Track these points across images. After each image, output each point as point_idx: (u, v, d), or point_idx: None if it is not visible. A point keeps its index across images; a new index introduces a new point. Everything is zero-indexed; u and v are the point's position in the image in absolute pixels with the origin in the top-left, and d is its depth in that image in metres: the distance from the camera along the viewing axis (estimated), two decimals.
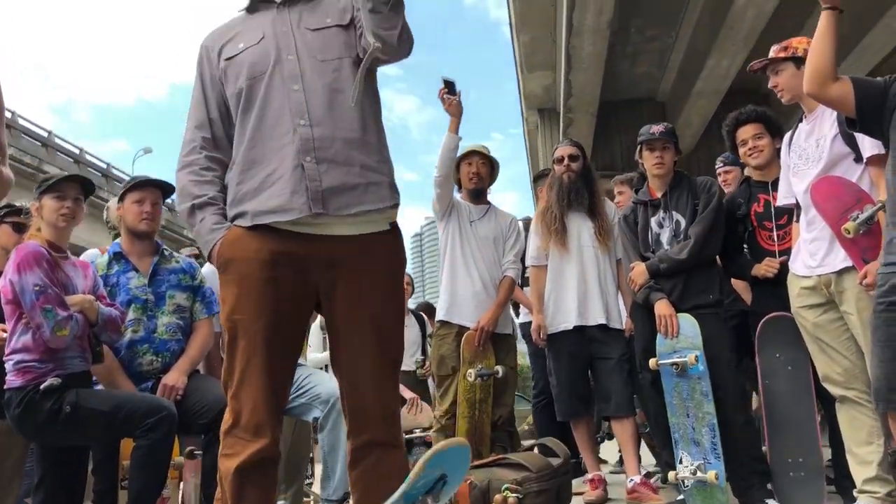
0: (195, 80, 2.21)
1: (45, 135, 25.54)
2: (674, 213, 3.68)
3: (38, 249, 2.97)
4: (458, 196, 4.41)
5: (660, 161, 3.71)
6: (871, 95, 2.49)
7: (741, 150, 3.71)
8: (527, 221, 4.93)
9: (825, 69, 2.51)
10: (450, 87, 4.04)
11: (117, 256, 3.43)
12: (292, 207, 1.95)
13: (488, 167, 4.41)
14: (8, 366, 2.95)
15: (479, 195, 4.42)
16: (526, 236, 4.52)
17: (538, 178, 5.40)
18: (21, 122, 24.16)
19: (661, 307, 3.52)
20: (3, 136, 2.51)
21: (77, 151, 27.43)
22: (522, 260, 4.49)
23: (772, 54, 3.26)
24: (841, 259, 2.91)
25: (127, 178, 24.51)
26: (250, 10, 2.23)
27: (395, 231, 2.10)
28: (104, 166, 29.16)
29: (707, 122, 13.97)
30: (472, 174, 4.35)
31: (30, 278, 2.89)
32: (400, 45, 2.00)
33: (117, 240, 3.56)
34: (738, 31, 10.69)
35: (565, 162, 4.21)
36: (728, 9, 10.23)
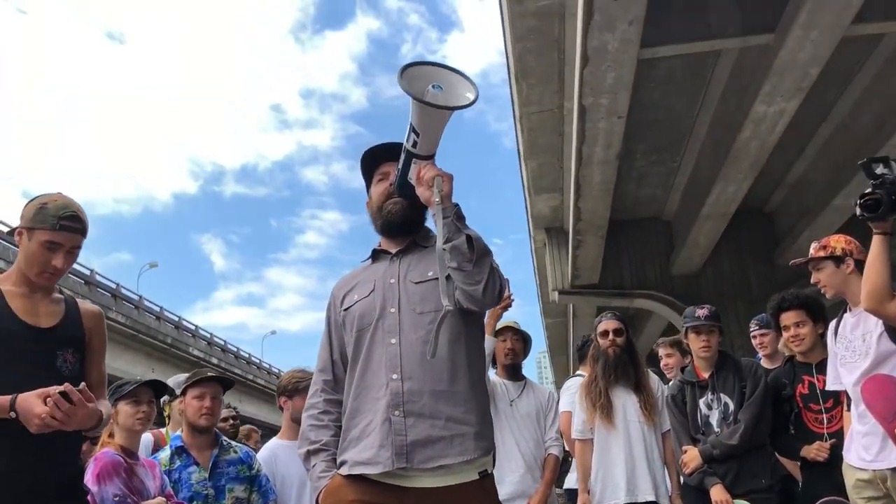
0: (325, 322, 2.40)
1: None
2: (721, 395, 3.78)
3: (116, 458, 3.06)
4: (493, 375, 4.45)
5: (706, 345, 3.84)
6: None
7: (784, 334, 3.83)
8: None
9: (882, 289, 2.68)
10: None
11: (179, 451, 3.50)
12: (378, 461, 2.06)
13: (521, 342, 4.50)
14: None
15: (515, 371, 4.47)
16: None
17: (581, 347, 5.48)
18: None
19: (717, 492, 3.57)
20: (104, 369, 2.65)
21: (88, 273, 27.72)
22: None
23: (811, 253, 3.40)
24: (895, 457, 2.98)
25: (135, 297, 24.65)
26: (373, 259, 2.42)
27: (484, 483, 2.14)
28: (113, 286, 29.45)
29: (714, 242, 14.24)
30: (508, 350, 4.43)
31: (109, 489, 2.97)
32: (485, 297, 2.12)
33: (178, 432, 3.64)
34: (742, 160, 11.06)
35: (610, 336, 4.28)
36: (732, 141, 10.61)
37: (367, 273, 2.37)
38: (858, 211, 2.61)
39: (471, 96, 2.12)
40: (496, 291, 2.15)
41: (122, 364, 28.80)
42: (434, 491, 2.07)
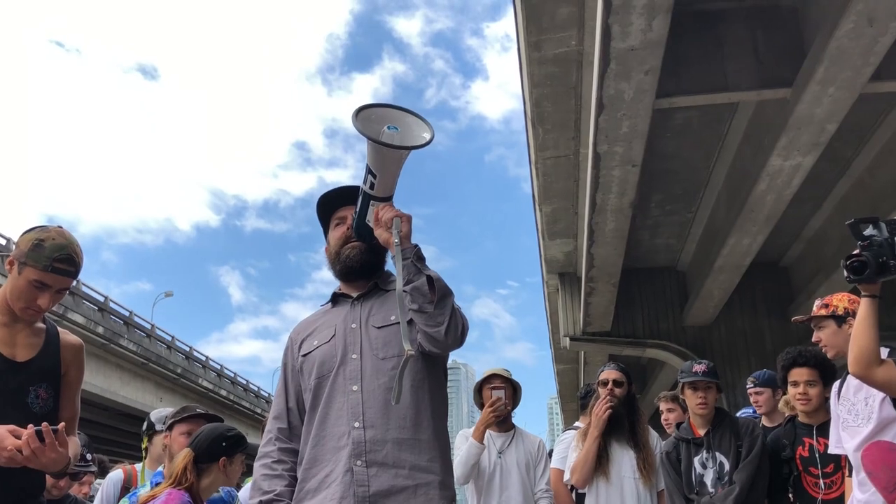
0: (280, 369, 2.34)
1: (73, 283, 26.02)
2: (717, 453, 3.67)
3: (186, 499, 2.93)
4: None
5: (703, 402, 3.74)
6: None
7: (791, 391, 3.71)
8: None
9: (869, 354, 2.58)
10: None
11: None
12: None
13: (510, 390, 4.36)
14: None
15: (503, 420, 4.34)
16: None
17: (584, 396, 5.38)
18: None
19: None
20: (77, 404, 2.61)
21: (102, 299, 27.86)
22: None
23: (815, 310, 3.32)
24: None
25: (147, 325, 24.73)
26: (333, 303, 2.37)
27: None
28: (126, 314, 29.54)
29: (728, 295, 14.08)
30: (496, 399, 4.28)
31: None
32: (447, 338, 2.07)
33: (160, 468, 3.56)
34: (758, 213, 10.97)
35: (609, 386, 4.19)
36: (747, 193, 10.54)
37: (327, 318, 2.32)
38: (845, 273, 2.54)
39: (427, 136, 2.11)
40: (458, 332, 2.10)
41: (130, 392, 28.78)
42: None
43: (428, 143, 2.09)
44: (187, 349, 36.07)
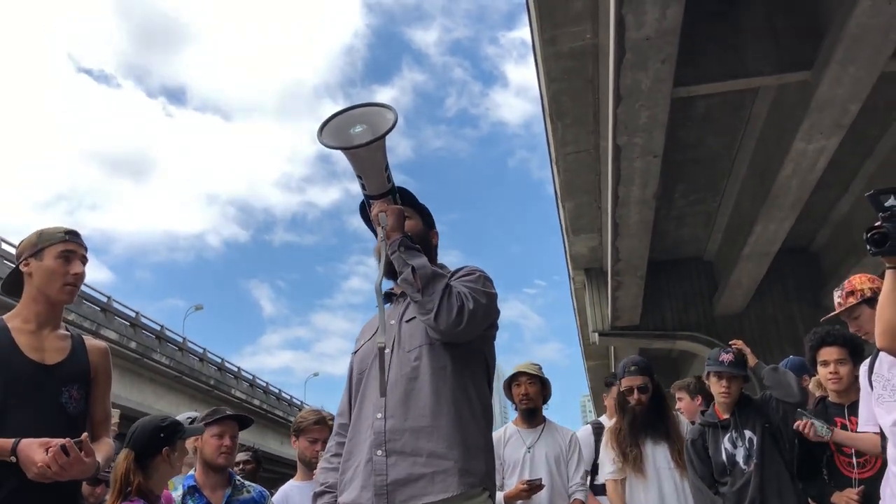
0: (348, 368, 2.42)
1: (105, 300, 26.42)
2: (745, 431, 3.64)
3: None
4: (510, 425, 4.36)
5: (727, 391, 3.73)
6: None
7: (821, 371, 3.66)
8: (595, 425, 4.89)
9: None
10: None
11: (191, 490, 3.45)
12: (360, 502, 2.04)
13: (538, 385, 4.34)
14: None
15: (532, 415, 4.32)
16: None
17: (609, 385, 5.36)
18: (84, 288, 25.07)
19: None
20: (108, 406, 2.66)
21: (133, 315, 28.20)
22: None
23: (839, 300, 3.26)
24: None
25: (178, 339, 25.04)
26: (389, 301, 2.41)
27: None
28: (158, 328, 29.89)
29: (757, 282, 13.92)
30: (522, 395, 4.30)
31: None
32: (439, 323, 2.09)
33: (191, 471, 3.60)
34: (784, 199, 10.83)
35: (635, 395, 4.17)
36: (772, 179, 10.42)
37: (378, 317, 2.38)
38: (867, 246, 2.50)
39: (391, 116, 2.14)
40: (453, 315, 2.08)
41: (164, 406, 29.04)
42: None
43: (395, 122, 2.12)
44: (219, 361, 36.37)
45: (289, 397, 46.26)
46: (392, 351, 2.19)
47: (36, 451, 2.19)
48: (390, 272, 2.30)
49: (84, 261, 2.58)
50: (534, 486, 3.94)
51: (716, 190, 13.15)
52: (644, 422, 4.09)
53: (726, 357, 3.80)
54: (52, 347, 2.49)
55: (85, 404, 2.53)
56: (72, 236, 2.56)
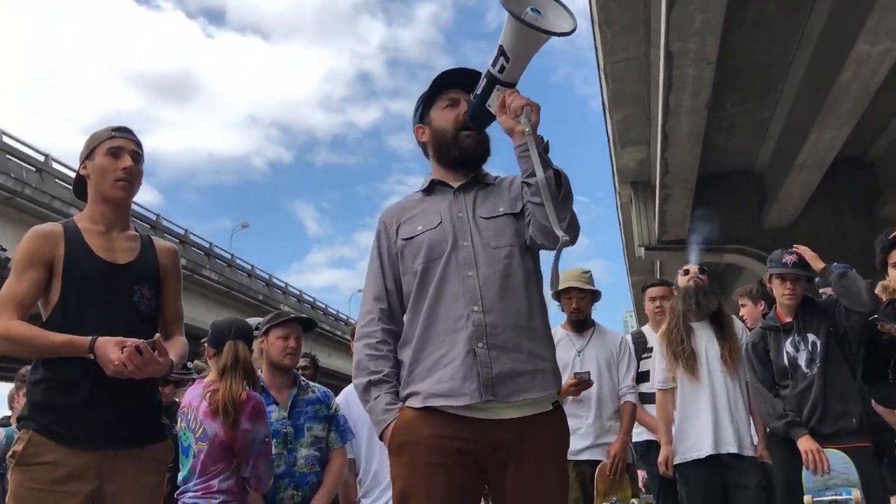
0: (373, 252, 2.31)
1: (154, 218, 26.99)
2: (808, 334, 3.60)
3: (261, 400, 3.21)
4: (559, 328, 4.33)
5: (791, 293, 3.67)
6: None
7: (892, 273, 3.58)
8: (636, 335, 4.88)
9: None
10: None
11: (259, 391, 3.55)
12: (464, 393, 2.00)
13: (589, 297, 4.33)
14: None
15: (582, 325, 4.32)
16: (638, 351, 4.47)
17: (645, 288, 5.33)
18: (133, 206, 25.64)
19: (805, 442, 3.42)
20: (180, 306, 2.72)
21: (182, 232, 28.77)
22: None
23: None
24: None
25: (227, 256, 25.52)
26: (427, 191, 2.33)
27: (558, 412, 2.14)
28: (207, 245, 30.51)
29: (810, 193, 13.59)
30: (574, 309, 4.29)
31: (262, 429, 3.12)
32: (565, 233, 2.02)
33: (259, 372, 3.70)
34: (842, 104, 10.44)
35: (692, 272, 4.12)
36: (831, 84, 10.03)
37: (426, 205, 2.28)
38: None
39: (567, 27, 1.98)
40: (576, 227, 2.08)
41: (216, 319, 29.85)
42: (514, 422, 2.03)
43: (571, 33, 1.97)
44: (267, 276, 37.10)
45: (335, 312, 47.26)
46: (471, 245, 2.14)
47: (112, 350, 2.25)
48: (463, 161, 2.26)
49: (135, 156, 2.56)
50: (583, 381, 3.98)
51: (769, 98, 12.70)
52: (699, 295, 3.99)
53: (790, 258, 3.73)
54: (122, 248, 2.54)
55: (156, 304, 2.58)
56: (119, 132, 2.57)
